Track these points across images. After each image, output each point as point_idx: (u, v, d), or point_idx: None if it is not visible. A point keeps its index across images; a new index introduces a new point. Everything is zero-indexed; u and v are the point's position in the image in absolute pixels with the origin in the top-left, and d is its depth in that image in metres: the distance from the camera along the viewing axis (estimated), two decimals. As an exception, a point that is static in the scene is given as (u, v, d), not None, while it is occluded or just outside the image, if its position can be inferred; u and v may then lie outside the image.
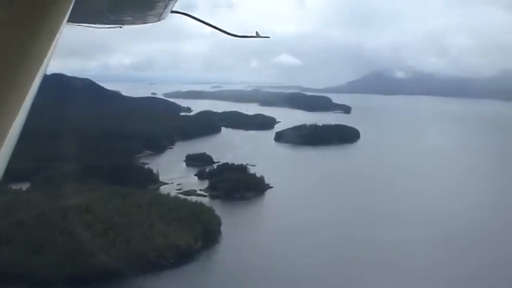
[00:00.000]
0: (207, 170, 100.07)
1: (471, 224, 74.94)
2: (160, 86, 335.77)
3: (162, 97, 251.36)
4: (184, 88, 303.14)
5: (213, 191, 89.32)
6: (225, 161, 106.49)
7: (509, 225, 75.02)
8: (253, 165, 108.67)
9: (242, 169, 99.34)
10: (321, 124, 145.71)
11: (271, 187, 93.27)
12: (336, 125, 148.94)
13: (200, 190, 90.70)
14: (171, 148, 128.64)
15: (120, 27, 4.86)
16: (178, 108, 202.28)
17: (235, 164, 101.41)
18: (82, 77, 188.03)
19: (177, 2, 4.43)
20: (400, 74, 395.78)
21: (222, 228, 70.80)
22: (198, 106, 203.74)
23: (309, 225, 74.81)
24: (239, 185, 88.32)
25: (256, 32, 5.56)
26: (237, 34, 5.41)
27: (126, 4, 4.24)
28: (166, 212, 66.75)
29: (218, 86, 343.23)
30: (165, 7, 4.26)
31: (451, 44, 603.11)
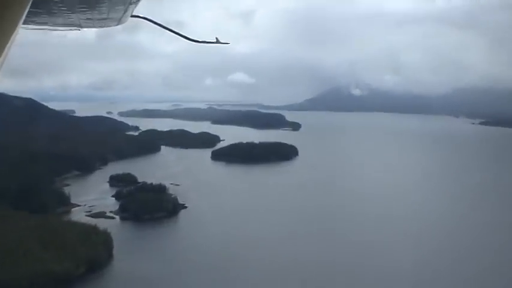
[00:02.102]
0: (125, 190, 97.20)
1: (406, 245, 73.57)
2: (121, 104, 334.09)
3: (116, 116, 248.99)
4: (144, 107, 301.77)
5: (124, 212, 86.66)
6: (151, 181, 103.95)
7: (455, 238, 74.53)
8: (177, 185, 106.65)
9: (161, 189, 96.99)
10: (257, 142, 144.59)
11: (186, 207, 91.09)
12: (275, 143, 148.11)
13: (111, 212, 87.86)
14: (101, 169, 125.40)
15: (79, 30, 4.74)
16: (126, 127, 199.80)
17: (154, 184, 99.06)
18: (25, 96, 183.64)
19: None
20: (356, 91, 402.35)
21: (115, 252, 68.07)
22: (148, 125, 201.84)
23: (216, 245, 72.51)
24: (150, 205, 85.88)
25: (216, 38, 5.54)
26: (198, 40, 5.39)
27: (84, 7, 3.98)
28: (49, 236, 63.67)
29: (178, 104, 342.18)
30: (125, 11, 4.12)
31: (405, 62, 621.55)
